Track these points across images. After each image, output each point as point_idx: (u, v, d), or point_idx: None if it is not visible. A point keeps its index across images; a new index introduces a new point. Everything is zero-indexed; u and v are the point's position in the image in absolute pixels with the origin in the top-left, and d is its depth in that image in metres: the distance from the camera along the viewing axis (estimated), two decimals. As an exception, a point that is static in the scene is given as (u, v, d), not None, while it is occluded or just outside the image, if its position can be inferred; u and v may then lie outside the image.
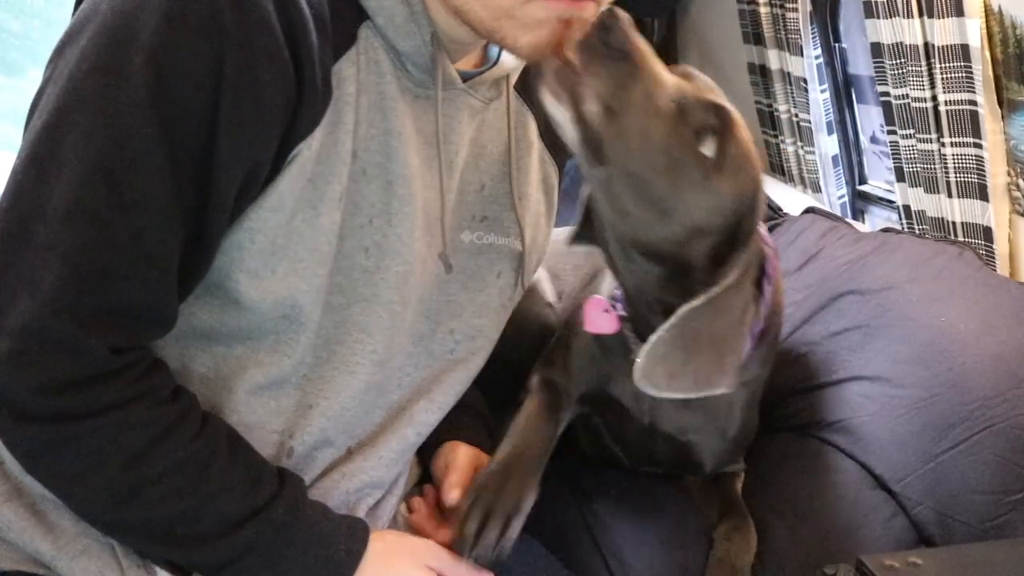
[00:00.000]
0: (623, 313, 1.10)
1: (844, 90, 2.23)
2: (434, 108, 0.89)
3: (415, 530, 1.04)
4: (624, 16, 0.87)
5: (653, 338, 0.92)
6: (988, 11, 1.47)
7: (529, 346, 1.31)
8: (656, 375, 0.93)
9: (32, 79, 4.32)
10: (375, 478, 0.98)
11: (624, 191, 0.93)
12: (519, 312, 1.15)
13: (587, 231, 1.10)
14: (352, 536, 0.89)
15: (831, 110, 2.22)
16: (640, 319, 1.07)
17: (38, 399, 0.76)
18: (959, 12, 1.51)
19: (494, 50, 0.96)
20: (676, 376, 0.93)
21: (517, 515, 1.00)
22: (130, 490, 0.80)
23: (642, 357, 0.92)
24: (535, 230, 1.05)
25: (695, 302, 0.93)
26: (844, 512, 1.23)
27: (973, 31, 1.49)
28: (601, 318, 1.12)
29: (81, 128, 0.74)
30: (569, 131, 0.91)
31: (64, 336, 0.75)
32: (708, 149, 0.93)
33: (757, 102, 2.47)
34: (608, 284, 1.19)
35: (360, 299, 0.89)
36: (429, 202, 0.91)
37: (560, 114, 0.90)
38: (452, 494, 1.02)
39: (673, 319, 0.93)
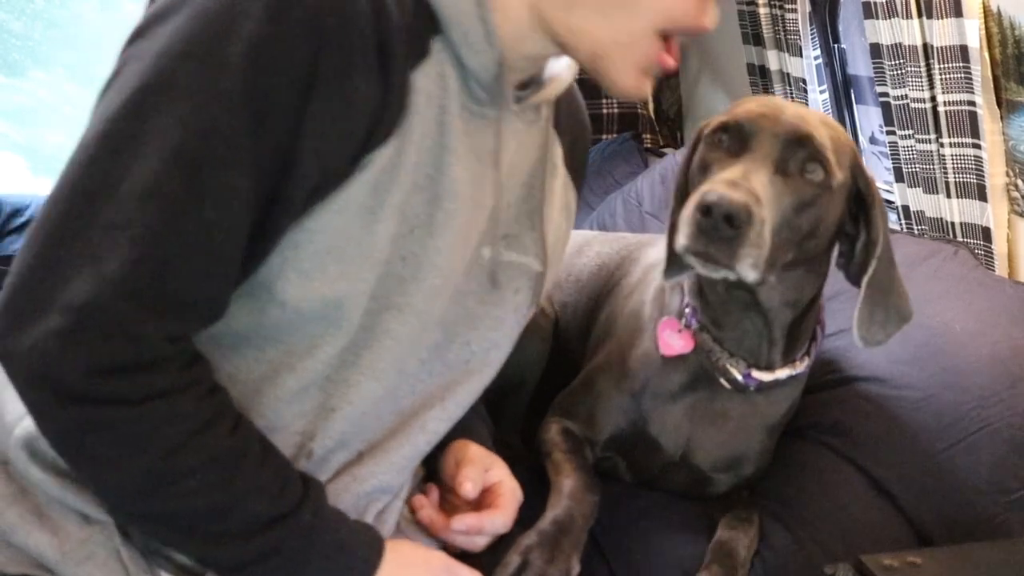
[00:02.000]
0: (697, 326, 1.20)
1: (843, 91, 2.23)
2: (488, 127, 0.91)
3: (424, 527, 1.03)
4: (724, 198, 0.96)
5: (855, 312, 1.09)
6: (987, 12, 1.48)
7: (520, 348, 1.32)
8: (873, 331, 1.09)
9: (33, 79, 4.34)
10: (385, 482, 0.97)
11: (785, 257, 1.06)
12: None
13: (673, 267, 1.20)
14: (370, 545, 0.89)
15: (830, 110, 2.22)
16: (728, 324, 1.18)
17: (85, 380, 0.73)
18: (958, 13, 1.51)
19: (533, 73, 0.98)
20: (885, 323, 1.10)
21: None
22: (163, 481, 0.78)
23: (856, 327, 1.09)
24: (552, 252, 1.06)
25: (870, 269, 1.10)
26: (843, 512, 1.23)
27: (972, 32, 1.49)
28: (675, 339, 1.21)
29: (168, 111, 0.72)
30: (735, 279, 1.02)
31: (122, 319, 0.73)
32: (816, 173, 1.05)
33: (757, 102, 2.47)
34: (676, 304, 1.23)
35: (392, 307, 0.88)
36: (471, 218, 0.92)
37: (723, 274, 1.02)
38: (467, 486, 1.01)
39: (863, 288, 1.10)
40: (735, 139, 1.05)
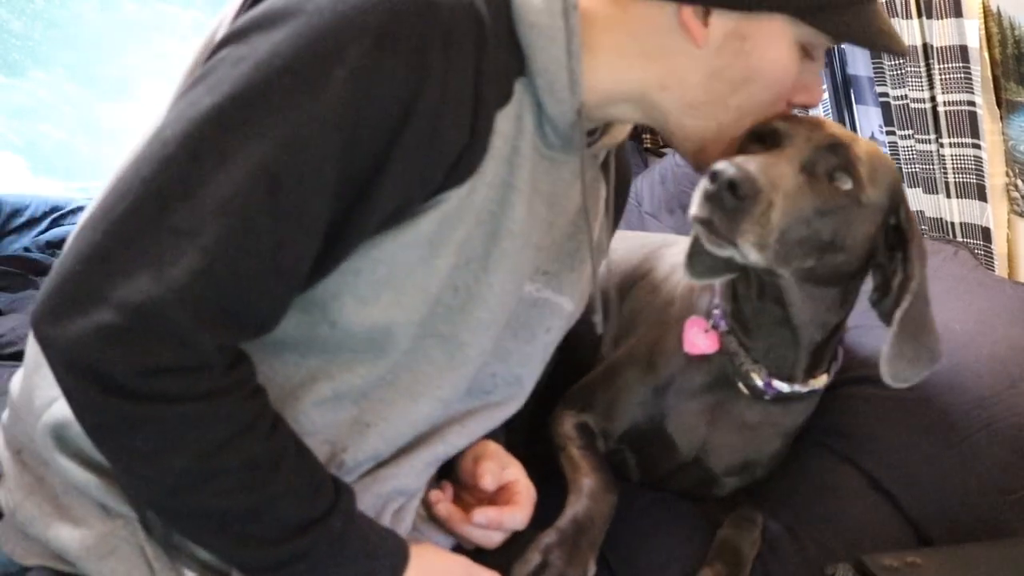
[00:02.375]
0: (725, 328, 1.20)
1: (843, 91, 2.22)
2: (555, 169, 0.92)
3: (440, 522, 1.04)
4: (734, 165, 0.94)
5: (885, 348, 1.05)
6: (987, 12, 1.48)
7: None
8: (902, 368, 1.05)
9: (32, 79, 4.34)
10: (404, 485, 0.98)
11: (803, 261, 1.03)
12: None
13: (702, 263, 1.19)
14: (396, 551, 0.89)
15: (830, 111, 2.22)
16: (759, 334, 1.17)
17: (131, 377, 0.72)
18: (958, 13, 1.51)
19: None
20: (915, 361, 1.06)
21: None
22: (199, 479, 0.77)
23: (884, 363, 1.05)
24: (584, 292, 1.06)
25: (904, 304, 1.05)
26: (843, 513, 1.23)
27: (972, 32, 1.49)
28: (700, 338, 1.21)
29: (258, 125, 0.71)
30: (741, 261, 1.00)
31: (178, 327, 0.72)
32: (845, 183, 1.02)
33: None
34: (704, 304, 1.24)
35: (437, 334, 0.89)
36: (524, 257, 0.92)
37: (728, 253, 0.99)
38: (487, 479, 1.02)
39: (895, 324, 1.05)
40: (768, 140, 1.04)
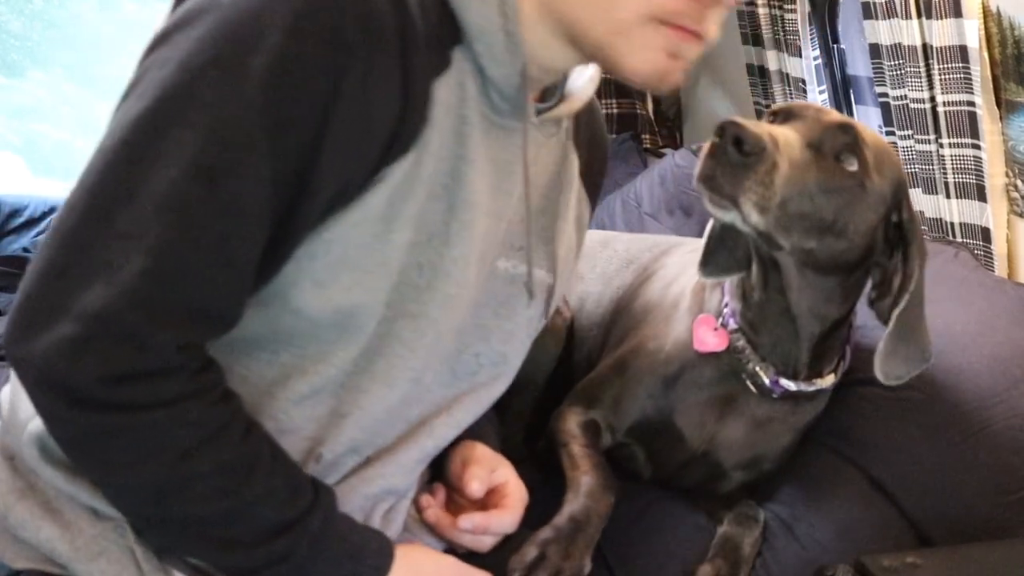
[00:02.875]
0: (734, 327, 1.21)
1: (843, 91, 2.23)
2: (508, 138, 0.90)
3: (431, 526, 1.04)
4: (741, 122, 0.96)
5: (881, 346, 1.07)
6: (986, 12, 1.48)
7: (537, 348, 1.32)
8: (895, 366, 1.08)
9: (31, 79, 4.34)
10: (392, 484, 0.97)
11: (804, 239, 1.05)
12: None
13: (714, 261, 1.24)
14: (380, 552, 0.89)
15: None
16: (765, 329, 1.19)
17: (95, 387, 0.73)
18: (957, 13, 1.51)
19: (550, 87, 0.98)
20: (908, 360, 1.08)
21: None
22: (174, 486, 0.78)
23: (879, 361, 1.07)
24: (565, 265, 1.06)
25: (902, 303, 1.08)
26: (843, 513, 1.23)
27: (971, 32, 1.49)
28: (710, 336, 1.22)
29: (187, 121, 0.72)
30: (742, 227, 1.03)
31: (135, 329, 0.72)
32: (851, 163, 1.05)
33: (756, 103, 2.47)
34: (715, 302, 1.24)
35: (407, 315, 0.88)
36: (488, 229, 0.92)
37: (730, 217, 1.01)
38: (473, 485, 1.02)
39: (892, 323, 1.08)
40: (780, 119, 1.07)
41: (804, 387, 1.20)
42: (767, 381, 1.20)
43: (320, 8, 0.73)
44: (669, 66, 0.86)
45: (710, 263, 1.23)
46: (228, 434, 0.80)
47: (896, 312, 1.07)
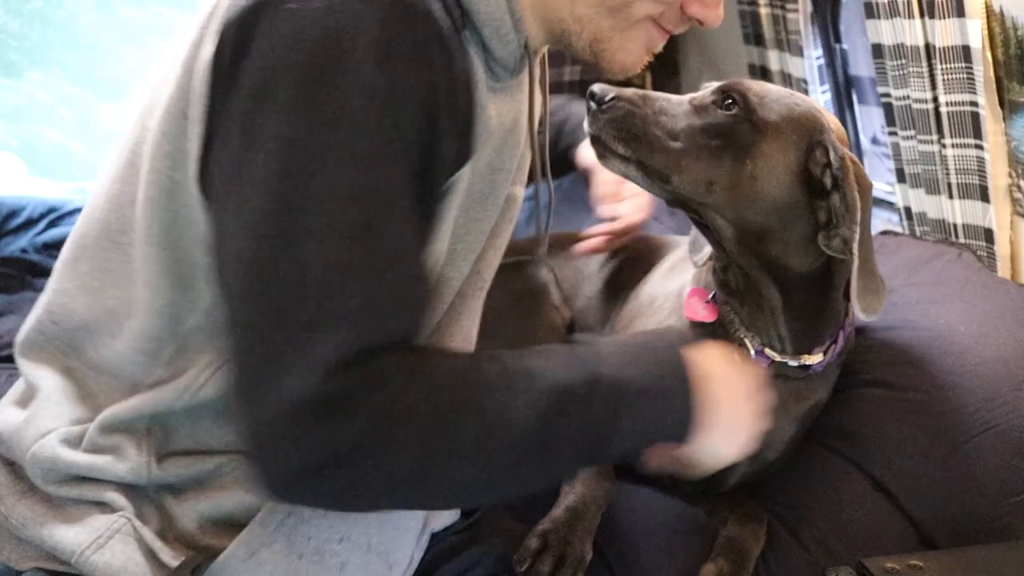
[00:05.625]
0: (722, 299, 1.24)
1: (845, 91, 2.22)
2: (508, 95, 0.95)
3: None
4: (598, 85, 1.10)
5: (853, 282, 1.09)
6: (989, 12, 1.47)
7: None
8: (871, 301, 1.09)
9: (30, 80, 4.33)
10: None
11: (706, 189, 1.11)
12: (527, 316, 1.18)
13: (698, 243, 1.29)
14: (675, 362, 0.87)
15: (832, 111, 2.21)
16: (739, 299, 1.22)
17: (373, 404, 0.74)
18: (960, 13, 1.50)
19: None
20: (877, 292, 1.10)
21: (581, 569, 1.08)
22: (491, 437, 0.78)
23: (856, 298, 1.08)
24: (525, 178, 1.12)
25: (856, 235, 1.08)
26: (846, 514, 1.23)
27: (974, 32, 1.49)
28: (700, 307, 1.25)
29: (322, 189, 0.73)
30: (635, 180, 1.13)
31: (354, 388, 0.73)
32: (732, 108, 1.10)
33: (757, 103, 2.46)
34: (707, 278, 1.27)
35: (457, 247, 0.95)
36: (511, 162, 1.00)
37: (622, 168, 1.12)
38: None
39: (856, 257, 1.08)
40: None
41: (789, 360, 1.20)
42: (752, 352, 1.20)
43: (400, 32, 0.75)
44: (643, 59, 0.98)
45: (696, 245, 1.28)
46: (481, 366, 0.81)
47: (855, 245, 1.07)
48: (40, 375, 0.92)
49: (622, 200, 1.40)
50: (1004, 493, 1.16)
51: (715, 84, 1.15)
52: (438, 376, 0.78)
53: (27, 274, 2.48)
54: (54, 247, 2.72)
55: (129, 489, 0.89)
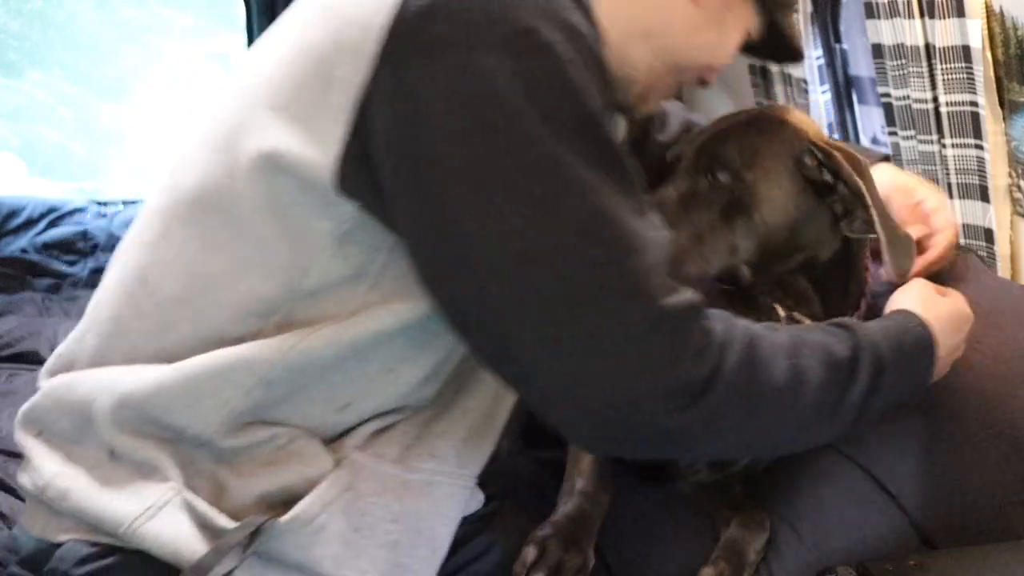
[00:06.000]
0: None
1: (845, 91, 2.22)
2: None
3: None
4: None
5: (884, 250, 1.11)
6: (989, 12, 1.47)
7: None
8: (902, 261, 1.12)
9: (30, 80, 4.34)
10: None
11: (745, 259, 1.15)
12: None
13: None
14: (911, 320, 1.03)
15: (832, 111, 2.22)
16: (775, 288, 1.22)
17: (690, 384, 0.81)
18: (960, 13, 1.51)
19: None
20: (908, 251, 1.13)
21: (583, 574, 1.07)
22: (797, 389, 0.88)
23: (889, 261, 1.11)
24: None
25: (875, 214, 1.10)
26: (846, 515, 1.22)
27: (974, 32, 1.49)
28: None
29: (547, 217, 0.77)
30: None
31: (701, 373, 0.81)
32: (723, 176, 1.13)
33: (758, 103, 2.47)
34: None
35: None
36: None
37: None
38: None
39: (880, 231, 1.11)
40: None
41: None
42: (783, 315, 1.22)
43: (574, 51, 0.79)
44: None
45: None
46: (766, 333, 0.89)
47: (876, 224, 1.10)
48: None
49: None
50: (1006, 493, 1.16)
51: (675, 148, 1.20)
52: (764, 344, 0.87)
53: (27, 274, 2.49)
54: (54, 247, 2.73)
55: (184, 457, 0.88)
